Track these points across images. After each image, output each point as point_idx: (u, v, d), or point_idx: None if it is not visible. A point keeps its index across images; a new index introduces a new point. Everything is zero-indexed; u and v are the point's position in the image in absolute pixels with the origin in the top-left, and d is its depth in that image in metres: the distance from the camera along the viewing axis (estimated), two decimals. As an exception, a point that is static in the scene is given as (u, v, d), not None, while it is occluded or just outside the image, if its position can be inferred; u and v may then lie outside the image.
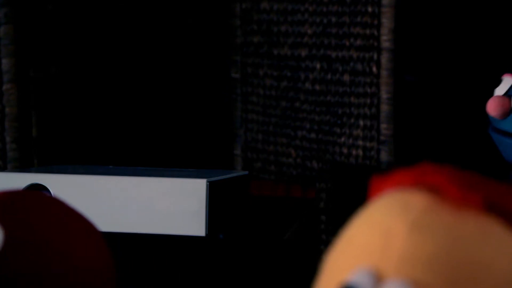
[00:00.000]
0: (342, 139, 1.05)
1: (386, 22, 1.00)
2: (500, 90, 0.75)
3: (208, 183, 0.77)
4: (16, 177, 0.82)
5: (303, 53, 1.08)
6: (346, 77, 1.05)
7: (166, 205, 0.78)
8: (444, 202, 0.37)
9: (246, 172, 0.94)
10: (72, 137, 1.13)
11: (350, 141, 1.04)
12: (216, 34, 1.21)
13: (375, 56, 1.01)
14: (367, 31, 1.01)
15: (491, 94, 0.90)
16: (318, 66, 1.07)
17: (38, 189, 0.80)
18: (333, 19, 1.05)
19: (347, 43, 1.03)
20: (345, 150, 1.05)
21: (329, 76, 1.06)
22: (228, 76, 1.18)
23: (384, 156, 1.01)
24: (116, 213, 0.78)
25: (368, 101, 1.02)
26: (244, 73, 1.16)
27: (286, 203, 1.05)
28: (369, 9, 1.01)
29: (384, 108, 1.01)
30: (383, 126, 1.01)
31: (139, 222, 0.78)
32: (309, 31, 1.07)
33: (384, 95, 1.01)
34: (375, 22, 1.01)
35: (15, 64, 1.05)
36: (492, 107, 0.73)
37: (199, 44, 1.22)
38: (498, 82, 0.76)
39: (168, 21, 1.20)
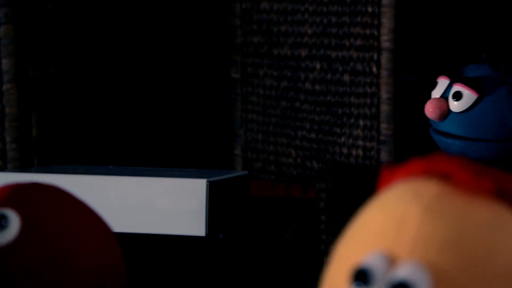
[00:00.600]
0: (342, 139, 1.05)
1: (386, 22, 1.00)
2: (436, 92, 0.76)
3: (208, 183, 0.77)
4: (16, 177, 0.82)
5: (303, 53, 1.08)
6: (346, 77, 1.05)
7: (166, 205, 0.78)
8: (455, 188, 0.37)
9: (246, 172, 0.94)
10: (72, 137, 1.13)
11: (350, 141, 1.04)
12: (216, 34, 1.21)
13: (375, 56, 1.01)
14: (367, 31, 1.01)
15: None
16: (318, 66, 1.07)
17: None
18: (333, 19, 1.05)
19: (347, 43, 1.04)
20: (345, 150, 1.05)
21: (329, 76, 1.06)
22: (228, 76, 1.18)
23: (384, 156, 1.01)
24: (116, 213, 0.78)
25: (368, 101, 1.02)
26: (244, 73, 1.16)
27: (286, 203, 1.05)
28: (369, 9, 1.01)
29: (384, 108, 1.01)
30: (383, 126, 1.01)
31: (139, 222, 0.78)
32: (309, 31, 1.07)
33: (384, 95, 1.01)
34: (375, 22, 1.01)
35: (15, 64, 1.05)
36: (430, 110, 0.74)
37: (199, 44, 1.22)
38: (434, 85, 0.76)
39: (168, 21, 1.20)
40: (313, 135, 1.08)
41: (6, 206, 0.49)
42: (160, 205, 0.78)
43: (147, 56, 1.19)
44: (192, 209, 0.77)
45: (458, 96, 0.74)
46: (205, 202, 0.77)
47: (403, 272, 0.35)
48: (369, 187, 0.43)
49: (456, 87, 0.74)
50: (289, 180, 1.12)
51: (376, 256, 0.36)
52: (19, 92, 1.06)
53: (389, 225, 0.37)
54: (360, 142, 1.04)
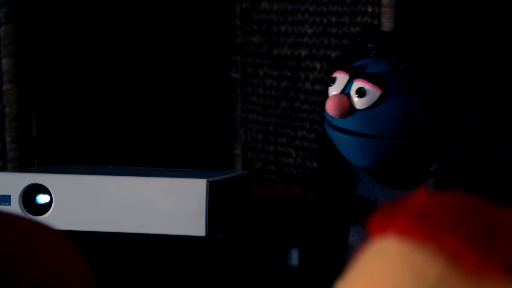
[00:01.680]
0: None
1: (386, 22, 1.00)
2: (335, 88, 0.74)
3: (208, 183, 0.77)
4: (16, 177, 0.82)
5: (303, 53, 1.08)
6: (346, 77, 1.04)
7: (166, 205, 0.78)
8: (460, 267, 0.33)
9: (246, 172, 0.94)
10: (72, 137, 1.13)
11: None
12: (216, 34, 1.21)
13: (375, 56, 1.01)
14: (367, 31, 1.01)
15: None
16: (318, 66, 1.07)
17: (38, 189, 0.80)
18: (333, 19, 1.05)
19: (347, 43, 1.03)
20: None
21: (329, 76, 1.06)
22: (228, 76, 1.18)
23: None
24: (116, 213, 0.78)
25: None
26: (244, 73, 1.16)
27: (286, 203, 1.05)
28: (369, 9, 1.01)
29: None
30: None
31: (139, 222, 0.78)
32: (309, 31, 1.07)
33: (384, 95, 1.01)
34: (375, 22, 1.01)
35: (15, 64, 1.05)
36: (332, 107, 0.72)
37: (199, 44, 1.22)
38: (331, 80, 0.74)
39: (168, 21, 1.20)
40: (313, 135, 1.08)
41: None
42: (160, 205, 0.78)
43: (147, 56, 1.19)
44: (192, 209, 0.77)
45: (361, 92, 0.72)
46: (205, 202, 0.77)
47: None
48: (369, 223, 0.40)
49: (359, 83, 0.72)
50: (289, 180, 1.12)
51: None
52: (19, 92, 1.06)
53: None
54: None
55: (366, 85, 0.72)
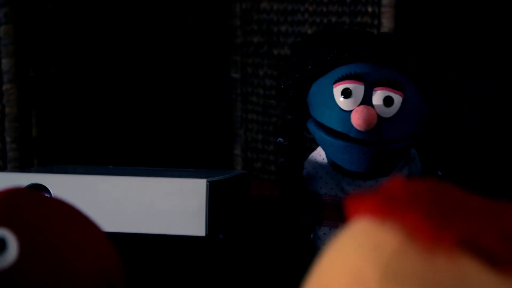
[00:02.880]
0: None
1: (386, 22, 1.00)
2: (355, 100, 0.71)
3: (208, 183, 0.77)
4: (16, 177, 0.82)
5: (303, 53, 1.08)
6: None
7: (166, 205, 0.78)
8: (416, 242, 0.36)
9: (246, 172, 0.94)
10: (72, 137, 1.13)
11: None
12: (216, 34, 1.21)
13: (375, 56, 1.01)
14: (367, 31, 1.01)
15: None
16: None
17: (38, 189, 0.80)
18: (333, 19, 1.05)
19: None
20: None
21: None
22: (228, 76, 1.18)
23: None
24: (116, 213, 0.78)
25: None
26: (244, 73, 1.16)
27: (286, 203, 1.05)
28: (369, 9, 1.01)
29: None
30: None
31: (139, 222, 0.78)
32: (309, 31, 1.07)
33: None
34: (375, 22, 1.01)
35: (15, 64, 1.05)
36: (363, 121, 0.69)
37: (199, 44, 1.22)
38: (346, 94, 0.71)
39: (168, 21, 1.20)
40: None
41: (1, 226, 0.45)
42: (160, 205, 0.78)
43: (147, 56, 1.19)
44: (192, 209, 0.77)
45: (390, 101, 0.70)
46: (205, 202, 0.77)
47: None
48: (347, 207, 0.42)
49: (383, 92, 0.70)
50: (289, 180, 1.12)
51: None
52: (19, 92, 1.06)
53: (347, 282, 0.36)
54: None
55: (391, 93, 0.70)
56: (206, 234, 0.77)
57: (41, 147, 1.10)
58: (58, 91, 1.12)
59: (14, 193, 0.49)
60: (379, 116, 0.70)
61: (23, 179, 0.80)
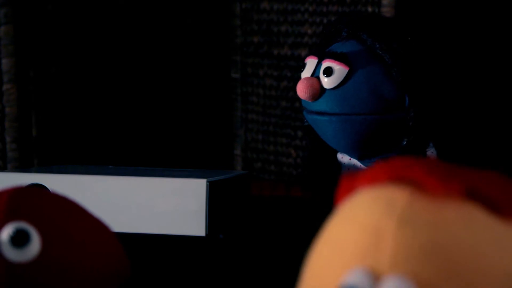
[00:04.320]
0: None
1: (386, 22, 1.00)
2: (305, 73, 0.74)
3: (208, 183, 0.77)
4: (16, 177, 0.82)
5: (303, 53, 1.08)
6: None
7: (166, 205, 0.78)
8: (425, 194, 0.37)
9: (246, 172, 0.94)
10: (72, 137, 1.13)
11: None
12: (216, 34, 1.21)
13: (375, 56, 1.01)
14: (367, 31, 1.01)
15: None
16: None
17: (38, 189, 0.80)
18: (333, 19, 1.05)
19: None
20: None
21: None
22: (228, 76, 1.18)
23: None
24: (116, 213, 0.79)
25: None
26: (244, 73, 1.16)
27: (286, 203, 1.05)
28: (369, 9, 1.01)
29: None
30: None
31: (139, 222, 0.78)
32: (309, 31, 1.07)
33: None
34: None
35: (15, 64, 1.05)
36: (302, 90, 0.73)
37: (199, 44, 1.22)
38: (303, 66, 0.75)
39: (168, 21, 1.20)
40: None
41: (23, 220, 0.47)
42: (160, 205, 0.78)
43: (147, 56, 1.19)
44: (192, 209, 0.77)
45: (328, 72, 0.72)
46: (205, 202, 0.77)
47: (389, 287, 0.35)
48: (337, 187, 0.43)
49: (326, 63, 0.73)
50: (289, 180, 1.12)
51: (359, 274, 0.36)
52: (19, 92, 1.06)
53: (365, 240, 0.37)
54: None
55: (333, 64, 0.72)
56: (206, 234, 0.77)
57: (41, 147, 1.10)
58: (58, 91, 1.12)
59: (29, 190, 0.51)
60: (322, 87, 0.73)
61: (23, 179, 0.80)
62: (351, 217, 0.38)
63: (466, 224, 0.37)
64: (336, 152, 0.79)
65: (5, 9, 1.04)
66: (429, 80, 0.73)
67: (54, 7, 1.10)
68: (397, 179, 0.38)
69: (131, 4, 1.17)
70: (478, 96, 1.03)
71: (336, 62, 0.72)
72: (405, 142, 0.73)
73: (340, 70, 0.72)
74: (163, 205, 0.78)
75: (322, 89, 0.73)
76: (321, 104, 0.73)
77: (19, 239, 0.46)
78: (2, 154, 1.06)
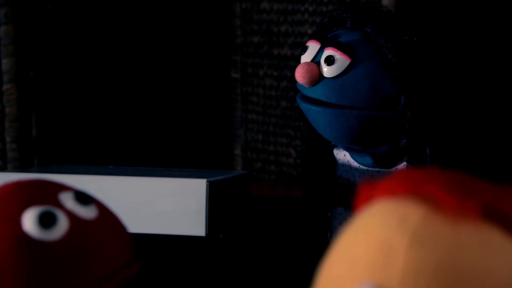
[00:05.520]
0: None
1: (386, 22, 1.00)
2: (306, 57, 0.74)
3: (208, 183, 0.77)
4: (16, 177, 0.82)
5: (303, 53, 1.08)
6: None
7: (166, 205, 0.78)
8: (440, 212, 0.37)
9: (246, 172, 0.94)
10: (72, 137, 1.13)
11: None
12: (216, 34, 1.21)
13: (375, 56, 1.01)
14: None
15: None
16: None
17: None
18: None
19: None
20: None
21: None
22: (228, 76, 1.18)
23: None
24: (116, 213, 0.78)
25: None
26: (244, 73, 1.16)
27: (286, 203, 1.05)
28: (369, 9, 1.01)
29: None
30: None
31: (140, 222, 0.78)
32: (309, 31, 1.07)
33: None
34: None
35: (15, 64, 1.05)
36: (301, 74, 0.72)
37: (199, 44, 1.22)
38: (304, 49, 0.74)
39: (168, 21, 1.20)
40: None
41: (50, 204, 0.52)
42: (160, 205, 0.78)
43: (147, 56, 1.19)
44: (192, 209, 0.77)
45: (330, 60, 0.71)
46: (205, 202, 0.77)
47: None
48: (357, 195, 0.43)
49: (328, 51, 0.72)
50: (289, 180, 1.12)
51: None
52: (19, 92, 1.06)
53: (376, 255, 0.36)
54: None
55: (335, 53, 0.71)
56: (206, 234, 0.77)
57: (41, 147, 1.10)
58: (58, 91, 1.12)
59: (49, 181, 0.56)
60: (321, 75, 0.72)
61: (23, 179, 0.80)
62: (365, 229, 0.38)
63: (480, 246, 0.36)
64: (330, 143, 0.79)
65: (5, 9, 1.04)
66: (428, 81, 0.72)
67: (54, 7, 1.10)
68: (415, 192, 0.38)
69: (131, 4, 1.17)
70: (478, 97, 1.03)
71: (339, 52, 0.71)
72: (404, 143, 0.72)
73: (342, 60, 0.71)
74: (163, 205, 0.78)
75: (321, 76, 0.72)
76: (318, 91, 0.72)
77: (47, 220, 0.50)
78: (2, 154, 1.06)
